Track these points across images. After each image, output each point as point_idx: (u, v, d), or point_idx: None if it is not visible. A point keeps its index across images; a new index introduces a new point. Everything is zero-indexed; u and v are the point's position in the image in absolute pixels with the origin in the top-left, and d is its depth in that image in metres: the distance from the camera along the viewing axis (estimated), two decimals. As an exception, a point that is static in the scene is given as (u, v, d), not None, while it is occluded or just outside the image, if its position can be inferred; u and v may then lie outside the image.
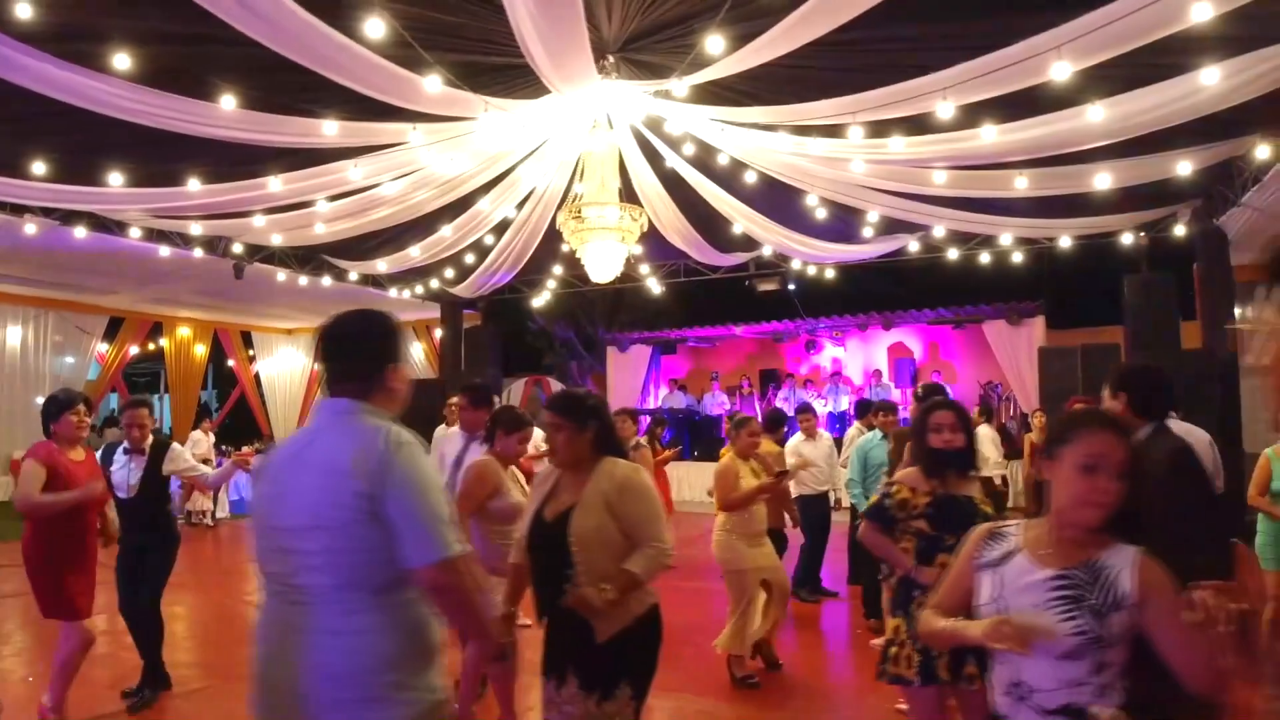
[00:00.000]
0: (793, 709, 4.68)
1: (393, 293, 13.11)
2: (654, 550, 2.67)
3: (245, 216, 8.92)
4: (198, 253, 10.23)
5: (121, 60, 5.42)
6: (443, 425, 5.08)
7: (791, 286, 13.04)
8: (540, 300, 14.20)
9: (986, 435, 8.03)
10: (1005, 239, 10.29)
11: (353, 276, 12.11)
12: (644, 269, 12.44)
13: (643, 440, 6.06)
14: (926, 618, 1.91)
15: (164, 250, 10.00)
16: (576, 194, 8.19)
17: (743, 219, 9.51)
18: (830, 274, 12.30)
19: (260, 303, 14.30)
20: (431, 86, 5.62)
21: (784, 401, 13.96)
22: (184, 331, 15.33)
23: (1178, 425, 4.37)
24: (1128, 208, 9.11)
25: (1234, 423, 9.24)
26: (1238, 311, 10.33)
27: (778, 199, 8.92)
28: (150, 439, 4.79)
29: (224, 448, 12.47)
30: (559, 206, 8.72)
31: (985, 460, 7.85)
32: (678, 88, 6.22)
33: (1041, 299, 12.69)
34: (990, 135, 6.34)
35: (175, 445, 4.94)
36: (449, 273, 12.10)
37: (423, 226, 9.81)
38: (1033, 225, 9.70)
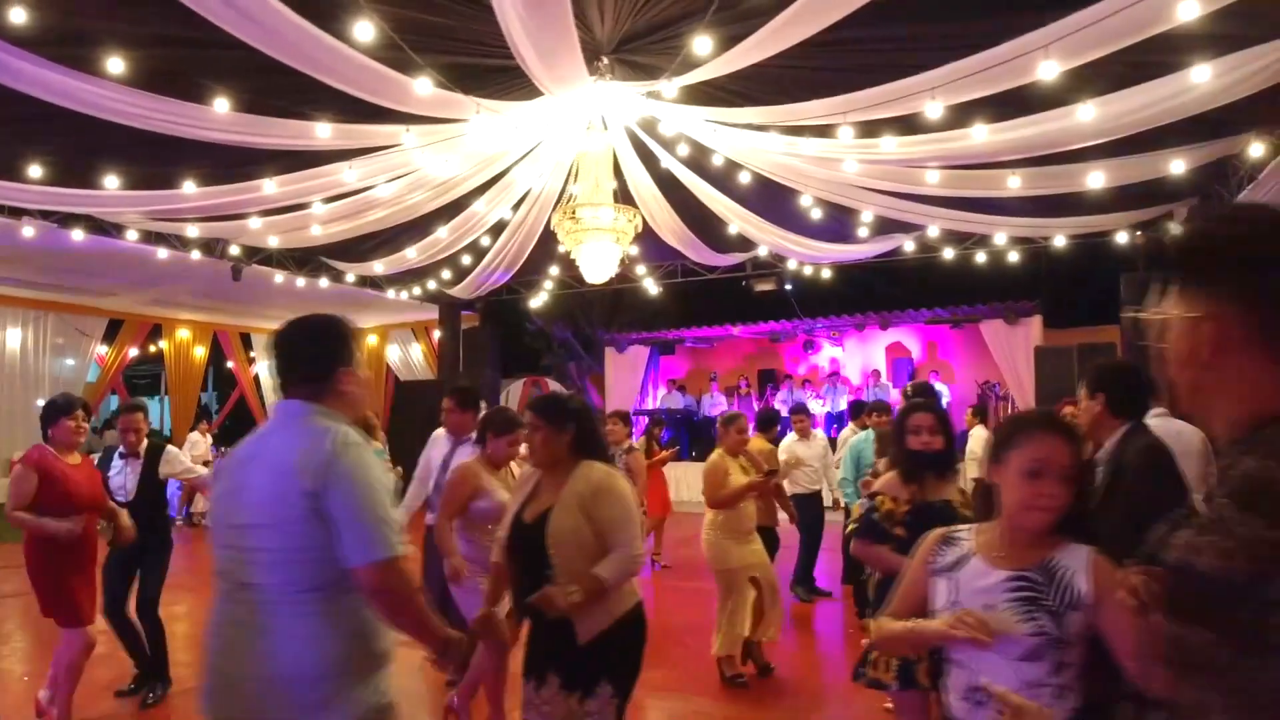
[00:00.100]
0: (785, 708, 4.70)
1: (391, 294, 13.14)
2: (623, 555, 2.67)
3: (241, 219, 8.95)
4: (195, 255, 10.27)
5: (115, 64, 5.45)
6: (441, 428, 5.12)
7: (788, 287, 13.04)
8: (538, 301, 14.23)
9: (981, 436, 8.02)
10: (1000, 239, 10.30)
11: (350, 278, 12.14)
12: (640, 269, 12.46)
13: (635, 444, 6.07)
14: (881, 624, 1.90)
15: (162, 252, 10.04)
16: (571, 195, 8.21)
17: (738, 219, 9.53)
18: (827, 274, 12.32)
19: (259, 304, 14.32)
20: (422, 89, 5.65)
21: (783, 403, 13.98)
22: (183, 333, 15.36)
23: (1171, 423, 4.38)
24: (1123, 207, 9.11)
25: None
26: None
27: (772, 199, 8.93)
28: (145, 443, 4.85)
29: (223, 449, 12.50)
30: (554, 208, 8.74)
31: (981, 462, 7.85)
32: (670, 89, 6.23)
33: (1039, 298, 12.69)
34: (981, 135, 6.36)
35: (170, 448, 5.00)
36: (446, 274, 12.13)
37: (419, 228, 9.83)
38: (1028, 225, 9.71)
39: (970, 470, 7.32)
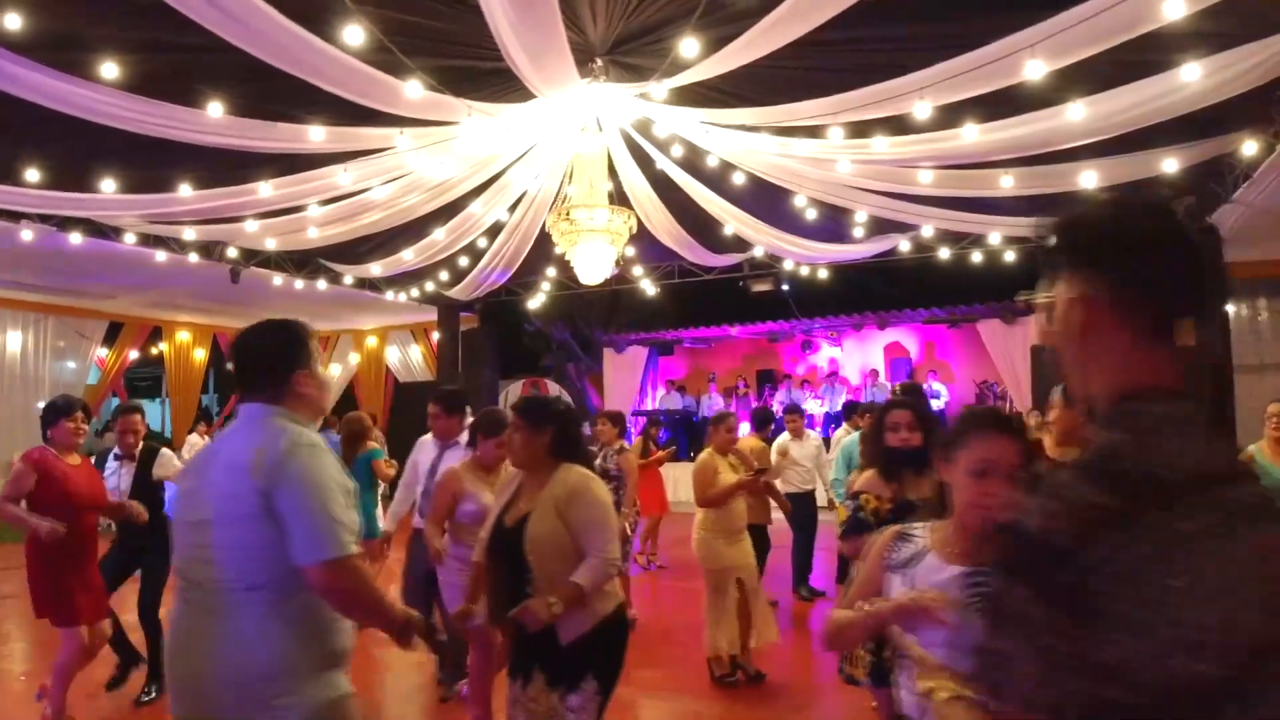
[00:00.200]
0: (777, 707, 4.71)
1: (389, 295, 13.17)
2: (598, 560, 2.68)
3: (238, 221, 8.98)
4: (193, 257, 10.31)
5: (109, 69, 5.48)
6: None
7: (785, 287, 13.05)
8: (536, 302, 14.25)
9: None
10: (994, 238, 10.30)
11: (348, 280, 12.17)
12: (637, 270, 12.48)
13: (626, 444, 6.08)
14: (835, 617, 1.90)
15: (160, 255, 10.07)
16: (566, 197, 8.23)
17: (733, 220, 9.55)
18: (824, 274, 12.32)
19: (259, 306, 14.34)
20: (413, 92, 5.67)
21: (781, 403, 13.99)
22: (183, 336, 15.41)
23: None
24: (1119, 206, 9.11)
25: (1227, 420, 9.23)
26: (1230, 307, 10.34)
27: (767, 200, 8.94)
28: (141, 445, 4.90)
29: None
30: (550, 209, 8.76)
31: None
32: (661, 90, 6.25)
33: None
34: (972, 135, 6.37)
35: (165, 451, 5.04)
36: (444, 275, 12.15)
37: (415, 230, 9.86)
38: (1023, 224, 9.70)
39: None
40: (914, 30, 5.55)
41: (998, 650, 0.91)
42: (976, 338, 13.37)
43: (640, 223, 9.23)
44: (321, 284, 12.04)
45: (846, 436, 6.57)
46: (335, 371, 17.39)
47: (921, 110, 5.63)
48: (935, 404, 13.24)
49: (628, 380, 16.05)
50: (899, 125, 6.58)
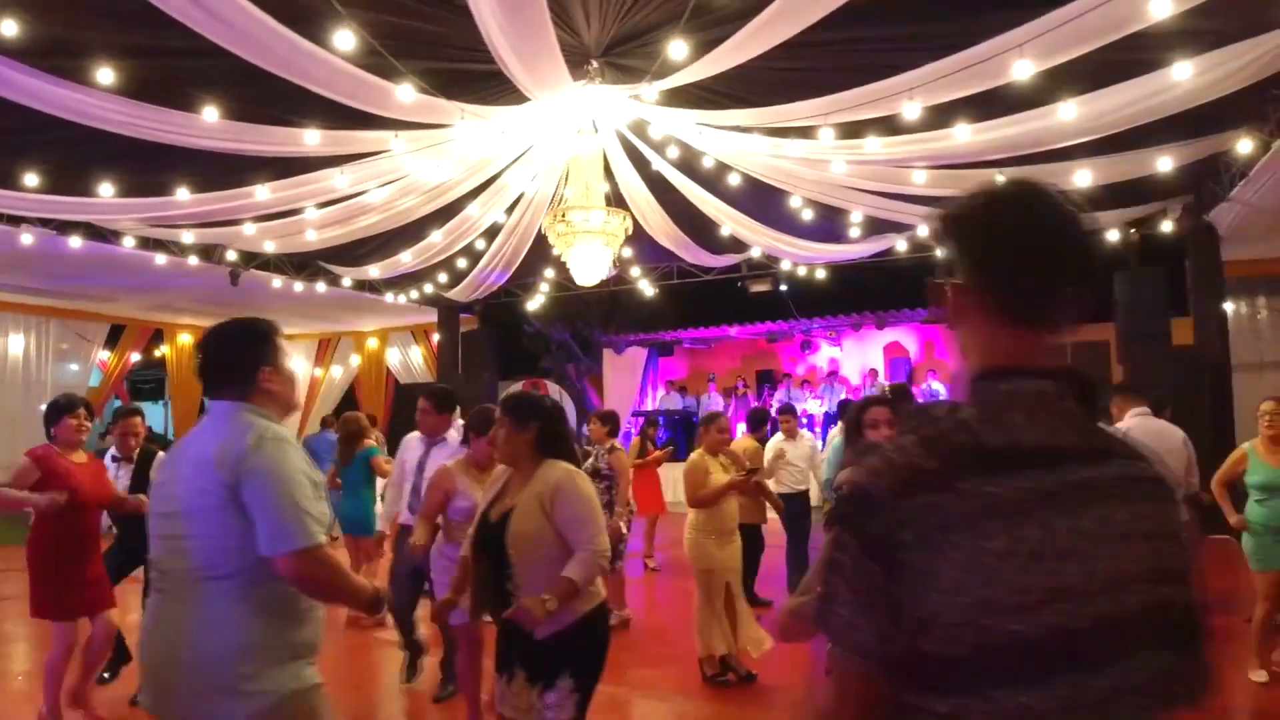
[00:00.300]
0: (770, 706, 4.72)
1: (389, 297, 13.21)
2: (587, 554, 2.67)
3: (236, 224, 9.03)
4: (193, 260, 10.36)
5: (105, 74, 5.53)
6: (413, 432, 5.21)
7: (783, 288, 13.06)
8: (535, 303, 14.29)
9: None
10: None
11: (346, 283, 12.21)
12: (635, 271, 12.51)
13: (618, 444, 6.10)
14: (788, 605, 1.90)
15: (160, 258, 10.13)
16: (563, 198, 8.26)
17: (729, 221, 9.56)
18: (821, 274, 12.33)
19: (260, 309, 14.36)
20: (405, 95, 5.70)
21: (780, 403, 14.00)
22: (185, 338, 15.47)
23: (1151, 422, 4.41)
24: (1116, 204, 9.10)
25: (1226, 419, 9.22)
26: (1229, 306, 10.32)
27: (763, 201, 8.96)
28: (141, 447, 4.95)
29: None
30: (547, 210, 8.79)
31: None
32: (652, 92, 6.27)
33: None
34: (964, 135, 6.38)
35: (162, 454, 5.06)
36: (442, 277, 12.19)
37: (413, 232, 9.90)
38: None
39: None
40: (908, 30, 5.56)
41: (825, 594, 0.98)
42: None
43: (638, 224, 9.26)
44: (321, 286, 12.09)
45: (839, 437, 6.58)
46: (337, 373, 17.45)
47: (911, 110, 5.64)
48: (935, 403, 13.23)
49: (627, 381, 16.07)
50: (892, 126, 6.60)
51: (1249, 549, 4.65)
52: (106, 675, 4.93)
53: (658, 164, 8.37)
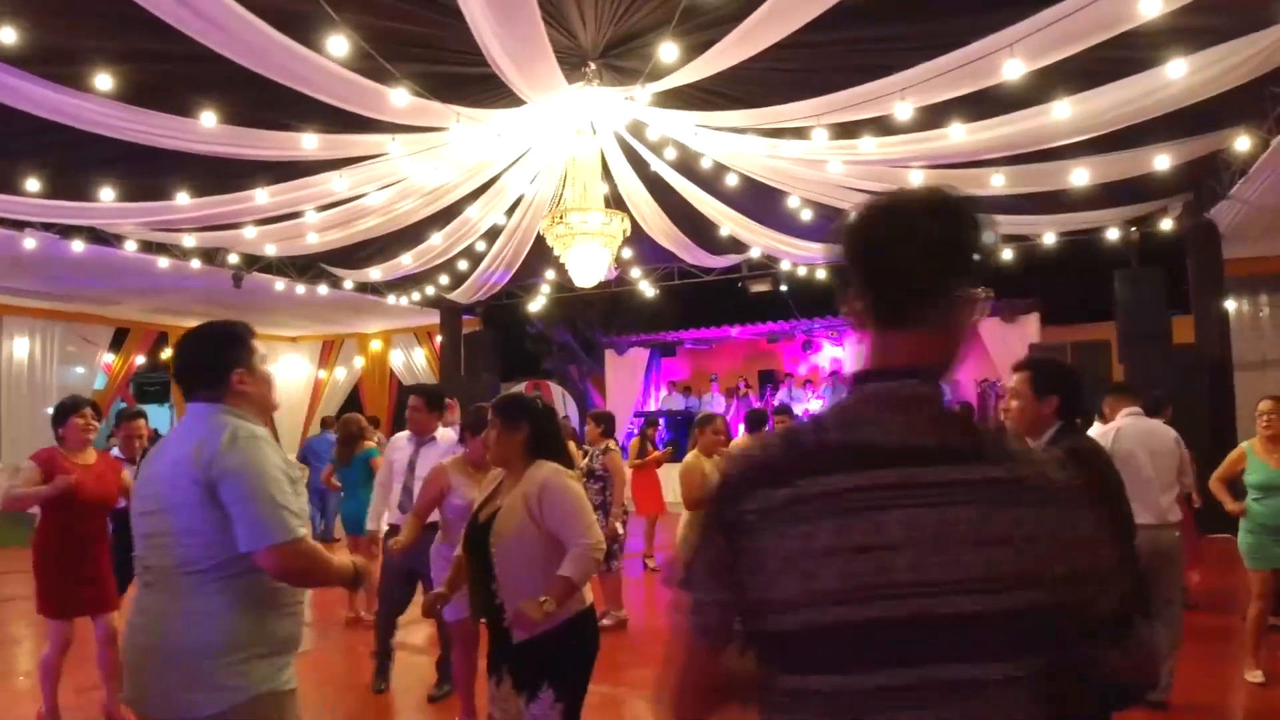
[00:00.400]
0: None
1: (391, 299, 13.26)
2: (581, 549, 2.62)
3: (236, 228, 9.07)
4: (195, 264, 10.42)
5: (103, 80, 5.57)
6: (401, 432, 5.24)
7: (784, 288, 13.07)
8: (537, 305, 14.31)
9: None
10: (986, 237, 10.27)
11: (348, 285, 12.26)
12: (636, 272, 12.53)
13: (613, 444, 6.11)
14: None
15: (163, 262, 10.19)
16: (562, 200, 8.28)
17: (728, 221, 9.58)
18: (821, 274, 12.31)
19: (264, 311, 14.47)
20: (399, 99, 5.73)
21: (782, 403, 13.99)
22: (189, 341, 15.52)
23: (1143, 422, 4.40)
24: (1116, 203, 9.09)
25: (1227, 419, 9.19)
26: (1231, 304, 10.28)
27: (762, 201, 8.97)
28: (144, 449, 4.98)
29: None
30: (547, 212, 8.82)
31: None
32: (646, 94, 6.29)
33: (1035, 296, 12.65)
34: (959, 134, 6.38)
35: None
36: (443, 279, 12.23)
37: (414, 235, 9.94)
38: (1018, 222, 9.69)
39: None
40: (898, 31, 5.57)
41: (684, 568, 1.06)
42: (976, 337, 13.34)
43: (638, 225, 9.29)
44: (323, 289, 12.14)
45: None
46: (340, 375, 17.52)
47: (903, 111, 5.64)
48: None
49: (629, 382, 16.08)
50: (889, 126, 6.61)
51: (1245, 547, 4.65)
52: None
53: (656, 165, 8.39)
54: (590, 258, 7.91)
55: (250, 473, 1.95)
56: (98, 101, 5.78)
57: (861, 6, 5.02)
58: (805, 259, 11.25)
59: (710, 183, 8.61)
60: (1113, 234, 10.15)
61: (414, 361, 16.70)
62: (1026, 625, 0.92)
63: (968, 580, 0.91)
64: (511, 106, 6.74)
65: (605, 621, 5.47)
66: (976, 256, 1.06)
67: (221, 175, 7.44)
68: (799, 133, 6.83)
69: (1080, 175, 7.50)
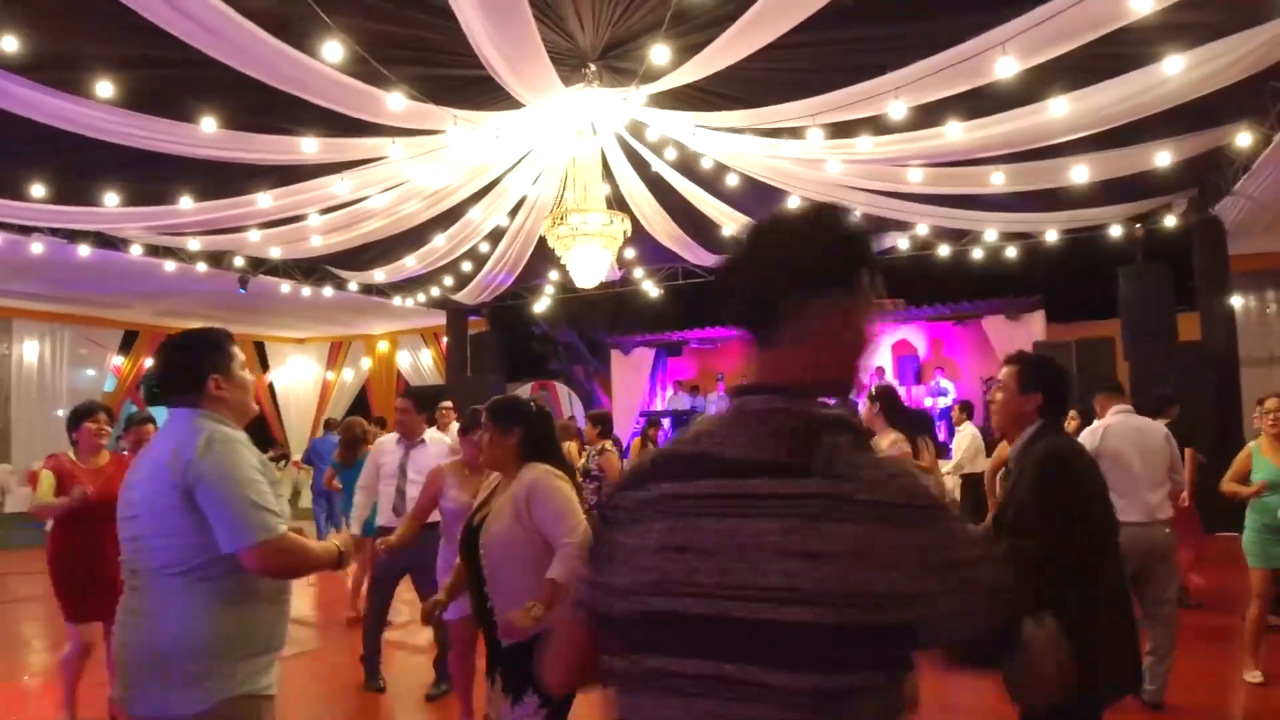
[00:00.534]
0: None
1: (397, 300, 13.32)
2: (568, 550, 2.57)
3: (240, 231, 9.15)
4: (201, 267, 10.50)
5: (104, 87, 5.64)
6: (386, 435, 5.24)
7: (787, 287, 13.03)
8: (542, 305, 14.34)
9: (969, 433, 7.99)
10: (989, 235, 10.25)
11: (352, 286, 12.33)
12: (639, 272, 12.55)
13: (610, 445, 6.14)
14: None
15: (169, 265, 10.28)
16: (562, 201, 8.31)
17: (730, 221, 9.58)
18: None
19: (271, 313, 14.59)
20: (395, 103, 5.76)
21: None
22: (198, 344, 15.64)
23: (1133, 419, 4.39)
24: (1120, 199, 9.04)
25: (1233, 415, 9.13)
26: (1237, 300, 10.21)
27: (763, 200, 8.97)
28: None
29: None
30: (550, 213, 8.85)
31: (958, 461, 7.82)
32: (641, 95, 6.30)
33: (1040, 293, 12.60)
34: (956, 133, 6.36)
35: None
36: (448, 280, 12.29)
37: (416, 237, 9.98)
38: (1021, 220, 9.65)
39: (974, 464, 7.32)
40: (893, 30, 5.56)
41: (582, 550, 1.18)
42: (982, 334, 13.30)
43: (640, 225, 9.30)
44: (328, 290, 12.21)
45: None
46: (348, 376, 17.62)
47: (897, 110, 5.64)
48: (943, 401, 13.20)
49: (635, 381, 16.09)
50: (887, 124, 6.60)
51: (1247, 544, 4.63)
52: None
53: (657, 165, 8.41)
54: (591, 258, 7.93)
55: (226, 476, 1.98)
56: (99, 108, 5.85)
57: (861, 6, 5.03)
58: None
59: (711, 183, 8.62)
60: (1117, 231, 10.08)
61: (421, 363, 16.77)
62: (819, 639, 0.91)
63: (766, 589, 0.93)
64: (510, 109, 6.77)
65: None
66: (832, 267, 1.07)
67: (224, 179, 7.50)
68: (795, 132, 6.83)
69: (1082, 172, 7.46)
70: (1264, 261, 10.38)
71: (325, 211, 8.67)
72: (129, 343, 14.71)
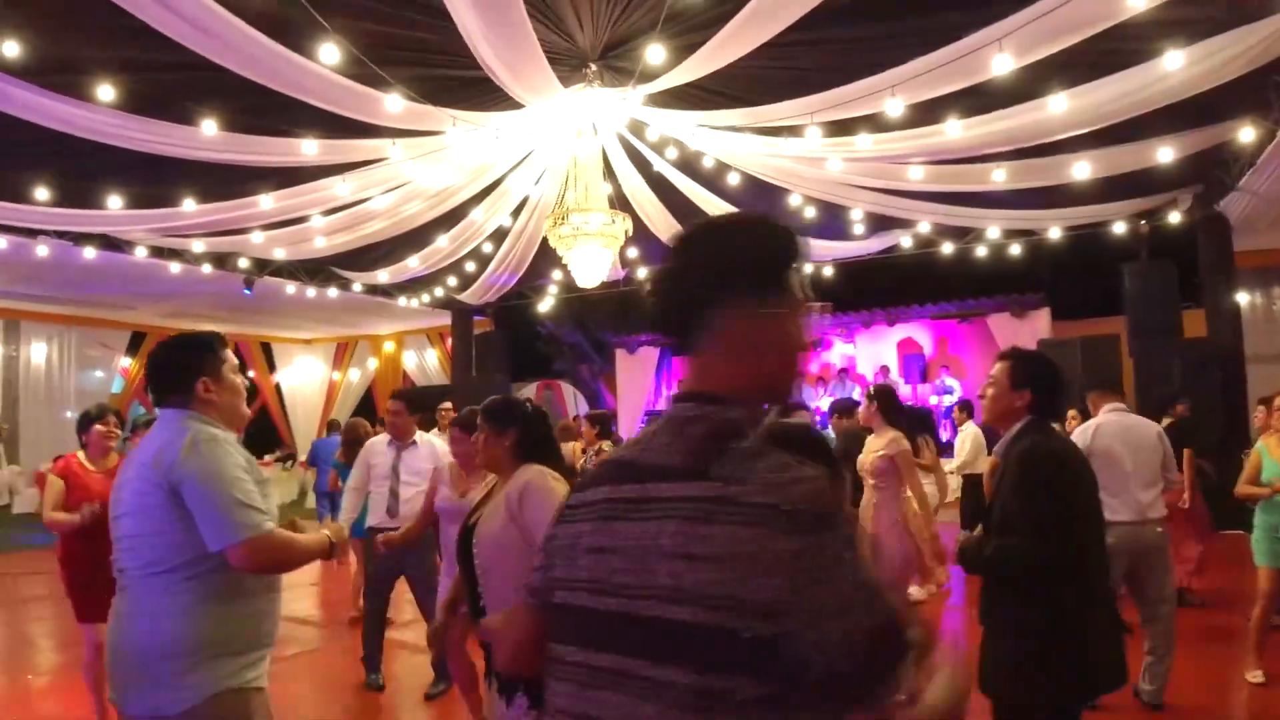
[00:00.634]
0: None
1: (402, 301, 13.36)
2: None
3: (243, 233, 9.19)
4: (206, 268, 10.56)
5: (106, 91, 5.68)
6: (377, 437, 5.23)
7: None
8: (547, 305, 14.36)
9: (970, 433, 7.96)
10: (993, 232, 10.21)
11: (357, 287, 12.37)
12: (643, 272, 12.54)
13: (608, 445, 6.14)
14: None
15: (175, 267, 10.35)
16: (564, 201, 8.32)
17: (731, 220, 9.57)
18: (829, 271, 12.27)
19: (277, 314, 14.66)
20: (393, 105, 5.78)
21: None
22: (205, 345, 15.73)
23: (1126, 417, 4.37)
24: (1124, 195, 8.99)
25: (1239, 412, 9.07)
26: (1243, 297, 10.14)
27: (764, 199, 8.96)
28: None
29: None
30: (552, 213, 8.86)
31: (961, 461, 7.78)
32: (638, 95, 6.31)
33: (1045, 290, 12.54)
34: (955, 130, 6.34)
35: None
36: (452, 280, 12.32)
37: (419, 238, 10.02)
38: (1025, 217, 9.61)
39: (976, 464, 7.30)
40: (900, 27, 5.54)
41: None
42: (987, 332, 13.25)
43: (643, 224, 9.31)
44: (333, 291, 12.26)
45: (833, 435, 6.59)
46: (354, 377, 17.69)
47: (894, 107, 5.62)
48: (948, 399, 13.16)
49: (641, 380, 16.10)
50: (886, 122, 6.58)
51: (1257, 543, 4.59)
52: None
53: (659, 165, 8.41)
54: (592, 258, 7.94)
55: (211, 474, 2.01)
56: (101, 111, 5.89)
57: (859, 4, 5.02)
58: (810, 257, 11.21)
59: (712, 181, 8.61)
60: (1122, 227, 10.03)
61: (426, 363, 16.82)
62: (697, 640, 0.93)
63: (657, 588, 0.96)
64: (510, 109, 6.79)
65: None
66: (751, 272, 1.09)
67: (226, 181, 7.54)
68: (793, 131, 6.82)
69: (1084, 169, 7.43)
70: (1270, 257, 10.30)
71: (328, 213, 8.70)
72: (137, 344, 14.80)
